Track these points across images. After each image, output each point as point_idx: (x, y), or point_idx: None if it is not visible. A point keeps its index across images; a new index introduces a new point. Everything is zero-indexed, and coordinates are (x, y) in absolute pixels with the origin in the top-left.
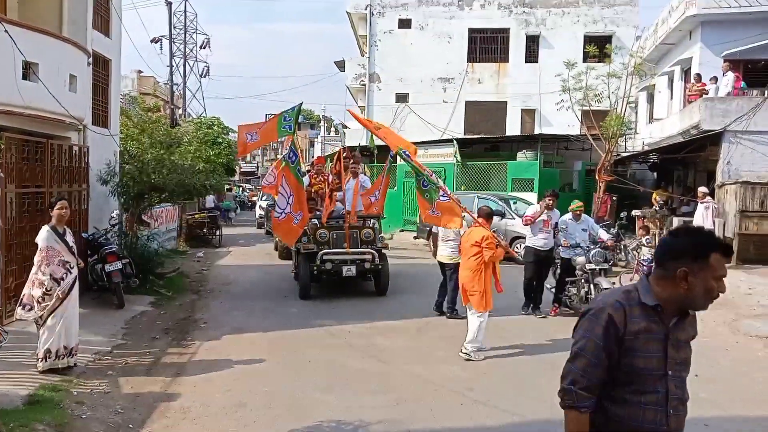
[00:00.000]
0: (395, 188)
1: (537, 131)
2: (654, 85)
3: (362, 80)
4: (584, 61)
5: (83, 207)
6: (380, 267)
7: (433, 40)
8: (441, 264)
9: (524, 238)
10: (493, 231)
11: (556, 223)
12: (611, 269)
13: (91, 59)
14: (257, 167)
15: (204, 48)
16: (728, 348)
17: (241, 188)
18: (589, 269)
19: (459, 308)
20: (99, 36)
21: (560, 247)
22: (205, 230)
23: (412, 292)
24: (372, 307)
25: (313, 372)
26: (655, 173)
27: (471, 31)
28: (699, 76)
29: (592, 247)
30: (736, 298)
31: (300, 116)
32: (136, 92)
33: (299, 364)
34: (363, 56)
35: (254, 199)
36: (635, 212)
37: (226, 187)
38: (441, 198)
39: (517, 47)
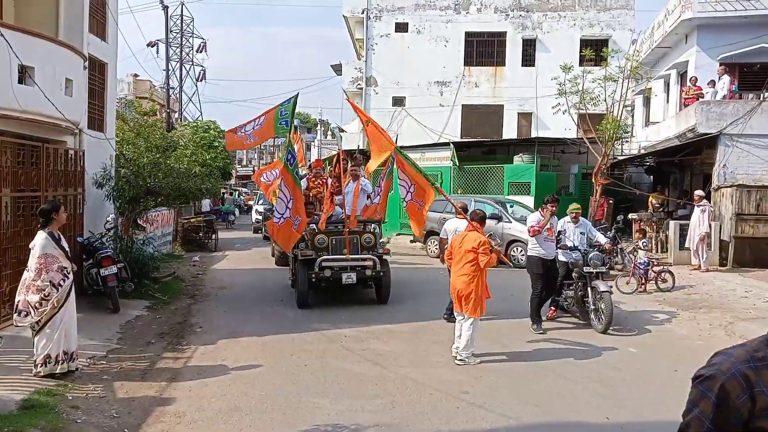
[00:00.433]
0: (392, 191)
1: (534, 135)
2: (650, 88)
3: (359, 84)
4: (581, 64)
5: (78, 211)
6: (382, 274)
7: (429, 44)
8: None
9: (522, 241)
10: (489, 234)
11: (559, 232)
12: (608, 272)
13: (87, 63)
14: (253, 171)
15: (200, 52)
16: None
17: (236, 192)
18: (587, 272)
19: None
20: (95, 40)
21: (558, 251)
22: (201, 234)
23: (409, 296)
24: (368, 311)
25: (308, 376)
26: (651, 176)
27: (467, 34)
28: (696, 79)
29: (590, 250)
30: (732, 300)
31: (297, 120)
32: (133, 96)
33: (295, 369)
34: (360, 60)
35: (250, 203)
36: (632, 215)
37: (228, 190)
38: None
39: (513, 51)
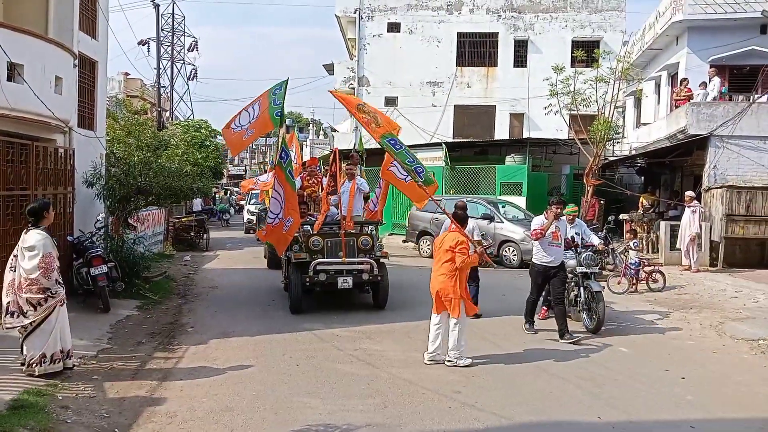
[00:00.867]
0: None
1: (525, 135)
2: (641, 89)
3: (351, 84)
4: (572, 65)
5: (68, 210)
6: (379, 278)
7: (422, 44)
8: None
9: (513, 242)
10: (483, 234)
11: (572, 237)
12: (601, 273)
13: (77, 61)
14: (245, 170)
15: (192, 51)
16: (714, 351)
17: (228, 191)
18: (580, 272)
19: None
20: (85, 38)
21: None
22: (192, 234)
23: (401, 297)
24: (360, 312)
25: (300, 376)
26: (642, 177)
27: (460, 35)
28: (686, 81)
29: (583, 250)
30: (723, 301)
31: (289, 119)
32: (123, 95)
33: (286, 368)
34: (352, 60)
35: (242, 202)
36: (623, 216)
37: (220, 189)
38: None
39: (505, 52)
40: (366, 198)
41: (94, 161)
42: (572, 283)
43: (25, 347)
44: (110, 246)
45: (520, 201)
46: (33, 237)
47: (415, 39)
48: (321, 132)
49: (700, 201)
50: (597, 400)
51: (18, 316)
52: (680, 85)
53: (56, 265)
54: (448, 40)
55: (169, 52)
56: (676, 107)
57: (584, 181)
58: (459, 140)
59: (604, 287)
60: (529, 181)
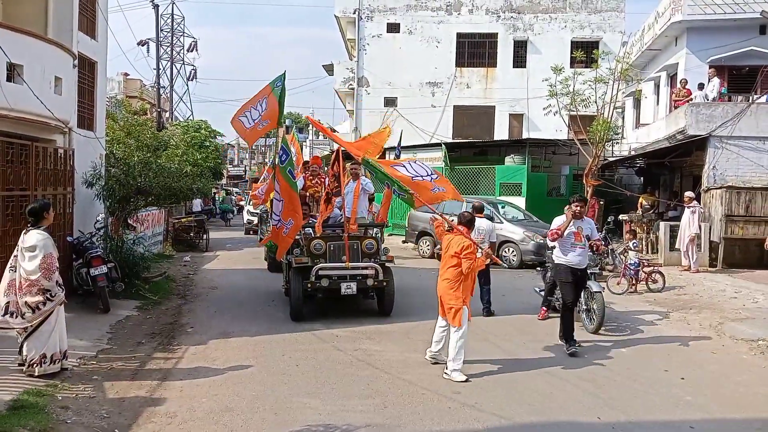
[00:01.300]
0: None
1: (525, 136)
2: (640, 90)
3: (351, 84)
4: (571, 66)
5: (68, 210)
6: (384, 283)
7: (421, 45)
8: None
9: (513, 242)
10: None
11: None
12: (601, 273)
13: (76, 61)
14: (245, 171)
15: (191, 51)
16: (714, 351)
17: (228, 192)
18: None
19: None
20: (85, 38)
21: (552, 250)
22: (191, 234)
23: (401, 297)
24: (360, 312)
25: (300, 376)
26: (641, 178)
27: (459, 35)
28: (685, 82)
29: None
30: (722, 301)
31: (288, 120)
32: (123, 95)
33: (286, 369)
34: (351, 60)
35: (241, 203)
36: (622, 216)
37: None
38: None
39: (504, 52)
40: (371, 199)
41: (93, 162)
42: None
43: (25, 348)
44: (110, 246)
45: (520, 201)
46: (34, 237)
47: (415, 39)
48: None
49: (699, 201)
50: (597, 401)
51: (17, 317)
52: (679, 85)
53: (57, 266)
54: (448, 40)
55: (169, 53)
56: (675, 108)
57: (584, 181)
58: (458, 141)
59: (603, 288)
60: (529, 181)
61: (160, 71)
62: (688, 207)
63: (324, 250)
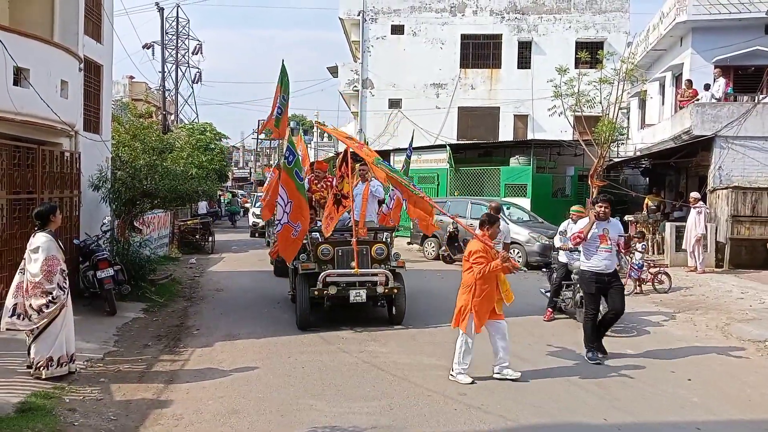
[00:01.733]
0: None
1: (530, 137)
2: (645, 90)
3: (355, 86)
4: (576, 66)
5: (75, 213)
6: (395, 290)
7: (425, 46)
8: None
9: (518, 243)
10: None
11: (626, 240)
12: None
13: (82, 65)
14: (250, 173)
15: (196, 54)
16: (720, 352)
17: (233, 194)
18: None
19: None
20: (90, 41)
21: (558, 251)
22: (197, 236)
23: (407, 299)
24: (366, 314)
25: (305, 378)
26: (647, 178)
27: (463, 37)
28: (690, 82)
29: None
30: (729, 302)
31: (293, 122)
32: (128, 98)
33: (292, 371)
34: (356, 62)
35: (247, 205)
36: (628, 217)
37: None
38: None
39: (509, 53)
40: (380, 203)
41: (99, 164)
42: (577, 285)
43: (32, 350)
44: (116, 249)
45: (525, 203)
46: (38, 239)
47: (419, 41)
48: (325, 134)
49: (705, 202)
50: (602, 402)
51: (23, 319)
52: (684, 85)
53: (60, 268)
54: (452, 41)
55: (174, 56)
56: (681, 108)
57: (589, 182)
58: (463, 142)
59: None
60: (534, 182)
61: (166, 74)
62: (694, 207)
63: (332, 256)
